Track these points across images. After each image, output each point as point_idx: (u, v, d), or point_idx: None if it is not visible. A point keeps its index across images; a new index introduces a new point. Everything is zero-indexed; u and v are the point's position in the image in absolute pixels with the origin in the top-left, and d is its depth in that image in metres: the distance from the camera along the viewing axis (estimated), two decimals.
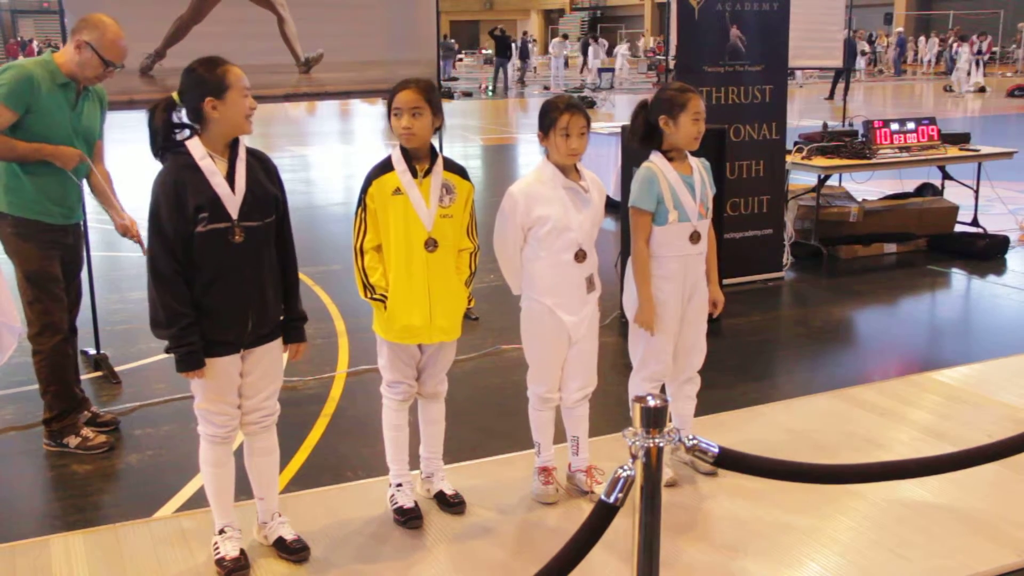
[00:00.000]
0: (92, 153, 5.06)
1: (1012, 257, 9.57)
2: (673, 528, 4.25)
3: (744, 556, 4.09)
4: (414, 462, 4.45)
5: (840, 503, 4.48)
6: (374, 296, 4.05)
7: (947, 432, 5.18)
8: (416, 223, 3.99)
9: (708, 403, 5.36)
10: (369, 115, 23.32)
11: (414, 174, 4.00)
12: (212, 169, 3.61)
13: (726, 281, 7.10)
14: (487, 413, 5.59)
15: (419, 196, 3.99)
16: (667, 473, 4.64)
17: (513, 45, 37.70)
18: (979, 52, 39.94)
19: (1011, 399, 5.79)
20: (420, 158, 4.03)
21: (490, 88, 33.87)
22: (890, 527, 4.35)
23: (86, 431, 5.09)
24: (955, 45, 42.51)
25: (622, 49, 42.09)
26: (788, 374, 6.44)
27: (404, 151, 4.00)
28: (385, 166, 4.03)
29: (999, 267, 9.25)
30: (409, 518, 4.25)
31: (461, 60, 42.41)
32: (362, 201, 4.04)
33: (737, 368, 6.29)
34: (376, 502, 4.43)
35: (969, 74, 32.66)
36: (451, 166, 4.13)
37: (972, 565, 4.06)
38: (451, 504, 4.38)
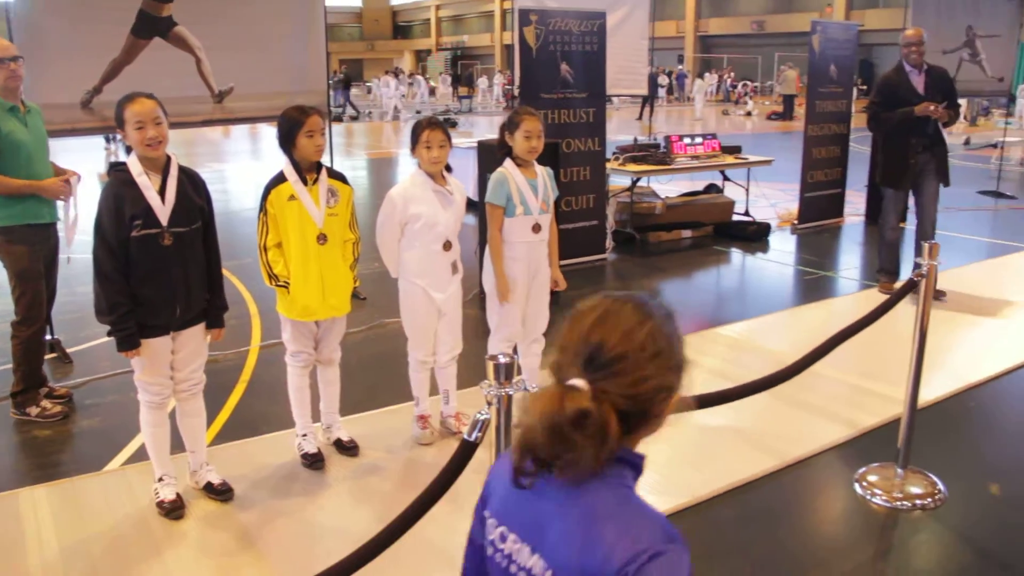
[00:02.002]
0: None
1: (773, 239, 9.83)
2: None
3: None
4: (316, 416, 4.34)
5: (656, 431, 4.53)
6: (278, 283, 3.95)
7: (729, 372, 5.27)
8: (309, 222, 3.91)
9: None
10: (273, 136, 22.71)
11: (304, 183, 3.91)
12: (146, 184, 3.48)
13: (562, 262, 7.14)
14: (375, 374, 5.49)
15: (310, 200, 3.91)
16: (516, 417, 4.64)
17: (395, 79, 37.45)
18: (732, 87, 41.21)
19: (775, 345, 5.95)
20: (309, 170, 3.94)
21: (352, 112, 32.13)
22: (690, 447, 4.41)
23: (45, 403, 4.82)
24: (728, 80, 43.81)
25: (483, 83, 42.04)
26: None
27: (295, 164, 3.90)
28: (280, 178, 3.92)
29: (764, 246, 9.49)
30: (313, 461, 4.17)
31: (353, 92, 41.77)
32: (263, 207, 3.92)
33: None
34: (286, 450, 4.31)
35: (727, 101, 33.42)
36: (333, 174, 4.07)
37: (747, 470, 4.20)
38: (347, 448, 4.32)
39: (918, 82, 6.90)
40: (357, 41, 68.06)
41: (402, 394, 4.73)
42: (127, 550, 3.50)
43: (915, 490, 4.00)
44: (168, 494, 3.76)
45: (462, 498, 3.67)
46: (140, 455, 4.22)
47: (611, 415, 1.30)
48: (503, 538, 1.42)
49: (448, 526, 3.59)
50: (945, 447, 4.52)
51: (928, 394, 5.01)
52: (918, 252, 3.95)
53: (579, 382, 1.31)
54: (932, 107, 6.66)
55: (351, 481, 4.08)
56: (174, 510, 3.72)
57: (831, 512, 3.96)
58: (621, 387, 1.31)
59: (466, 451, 2.37)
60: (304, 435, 4.25)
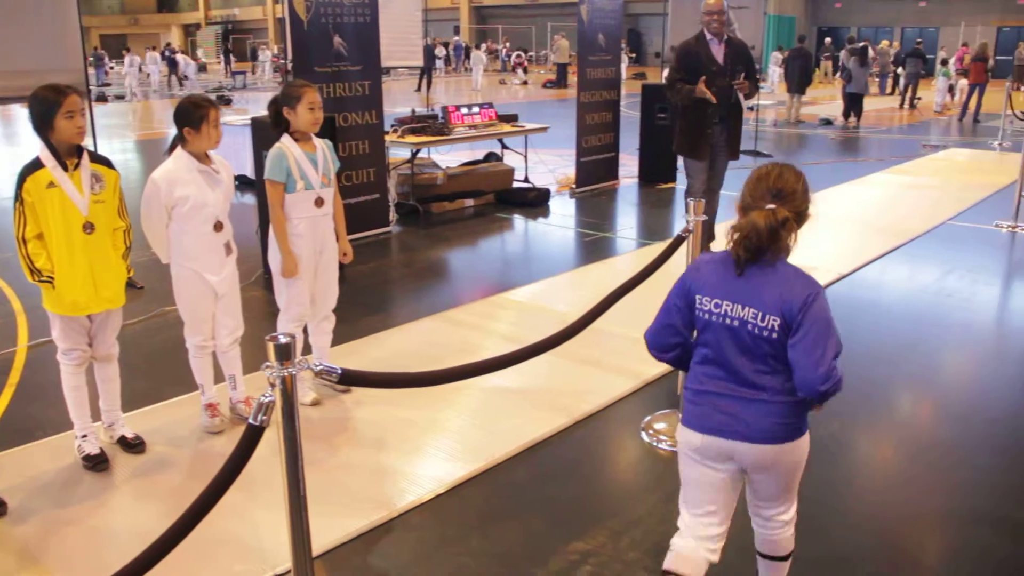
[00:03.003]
0: None
1: (553, 203, 10.12)
2: (320, 437, 4.19)
3: (381, 451, 4.08)
4: (97, 415, 4.07)
5: (449, 400, 4.57)
6: (41, 279, 3.65)
7: (518, 335, 5.41)
8: (73, 210, 3.64)
9: (341, 335, 5.29)
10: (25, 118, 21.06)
11: (65, 168, 3.63)
12: None
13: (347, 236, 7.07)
14: (158, 365, 5.22)
15: (72, 187, 3.63)
16: (311, 395, 4.57)
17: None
18: (508, 56, 41.91)
19: (560, 307, 6.14)
20: (69, 154, 3.65)
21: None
22: (482, 411, 4.51)
23: None
24: (504, 51, 44.46)
25: (264, 56, 40.45)
26: (401, 305, 6.48)
27: (52, 149, 3.60)
28: (36, 164, 3.61)
29: (545, 211, 9.75)
30: (96, 463, 3.92)
31: (112, 68, 38.99)
32: (19, 196, 3.60)
33: (361, 305, 6.25)
34: (66, 454, 4.03)
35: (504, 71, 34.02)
36: (96, 158, 3.79)
37: (539, 428, 4.32)
38: (132, 446, 4.09)
39: (718, 52, 6.91)
40: (118, 15, 63.84)
41: (188, 384, 4.53)
42: None
43: None
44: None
45: (257, 484, 3.62)
46: None
47: (793, 221, 2.39)
48: (718, 306, 2.45)
49: (243, 514, 3.51)
50: None
51: None
52: (687, 210, 4.17)
53: (773, 206, 2.39)
54: (708, 93, 6.70)
55: (139, 479, 3.87)
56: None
57: (621, 461, 4.15)
58: (793, 207, 2.41)
59: (253, 435, 2.32)
60: (84, 436, 3.98)
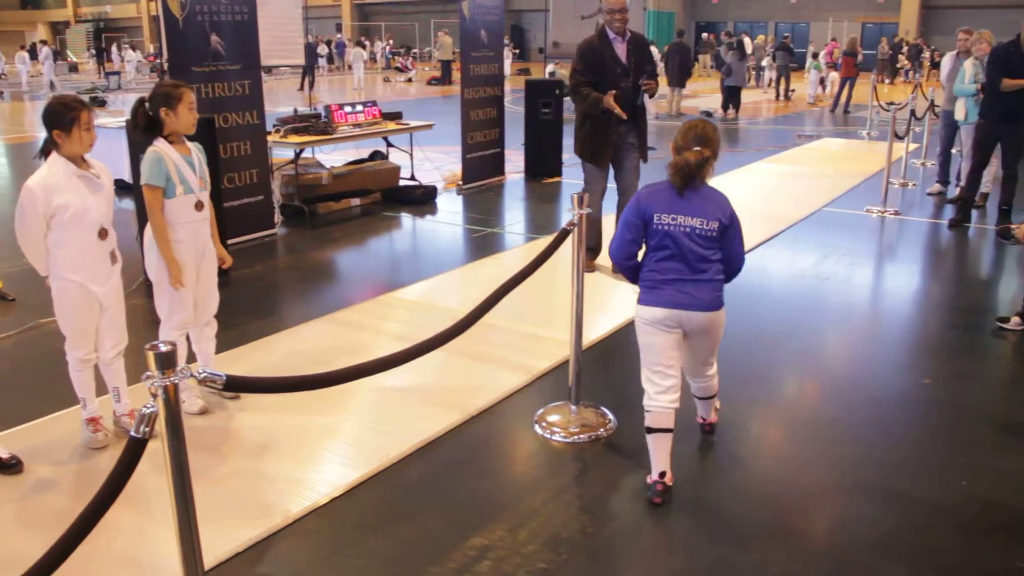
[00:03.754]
0: None
1: (441, 200, 10.12)
2: (209, 447, 4.08)
3: (273, 458, 4.00)
4: None
5: (340, 402, 4.52)
6: None
7: (409, 334, 5.37)
8: None
9: (228, 341, 5.18)
10: None
11: None
12: None
13: (230, 241, 6.91)
14: (33, 380, 4.99)
15: None
16: (198, 404, 4.45)
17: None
18: (392, 54, 41.69)
19: (452, 303, 6.14)
20: None
21: None
22: (375, 412, 4.47)
23: None
24: (387, 47, 44.14)
25: (134, 56, 39.08)
26: (289, 308, 6.37)
27: None
28: None
29: (433, 209, 9.74)
30: None
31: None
32: None
33: (248, 309, 6.11)
34: None
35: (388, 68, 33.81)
36: None
37: (432, 426, 4.31)
38: (8, 467, 3.86)
39: (621, 50, 6.64)
40: None
41: (66, 399, 4.35)
42: None
43: (589, 423, 4.32)
44: None
45: (145, 499, 3.50)
46: None
47: (712, 158, 3.53)
48: (674, 219, 3.51)
49: (131, 531, 3.39)
50: (610, 380, 4.92)
51: (591, 334, 5.43)
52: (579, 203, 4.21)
53: (699, 147, 3.49)
54: (618, 109, 6.46)
55: (16, 503, 3.68)
56: None
57: (516, 455, 4.18)
58: (712, 149, 3.52)
59: (135, 449, 2.24)
60: None
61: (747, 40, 20.36)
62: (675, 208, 3.53)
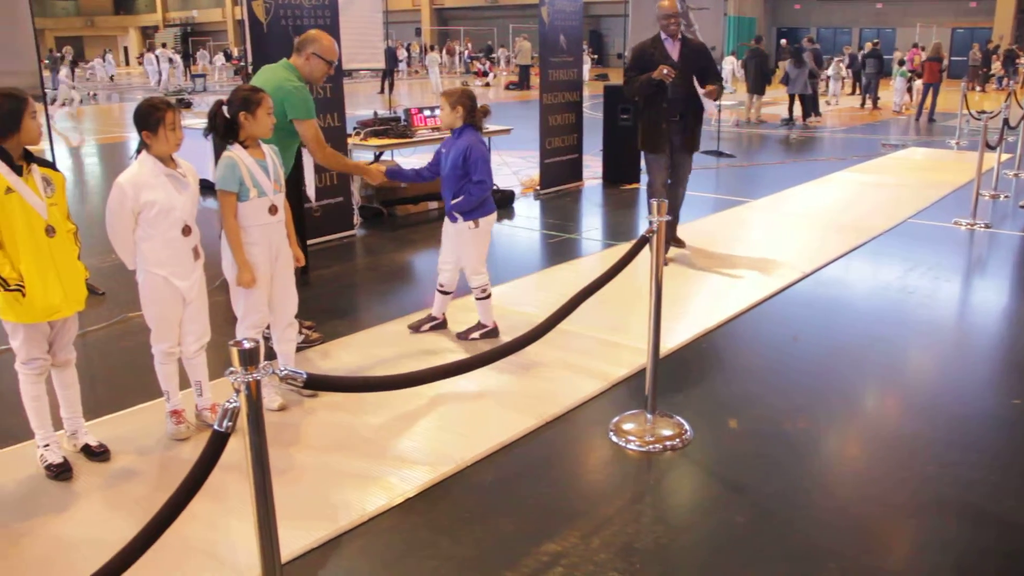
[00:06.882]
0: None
1: (518, 205, 10.15)
2: (285, 443, 4.16)
3: (348, 456, 4.05)
4: (58, 423, 4.00)
5: (415, 404, 4.55)
6: (9, 288, 3.54)
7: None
8: (34, 215, 3.56)
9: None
10: None
11: (19, 172, 3.55)
12: None
13: (309, 241, 7.03)
14: (121, 372, 5.15)
15: (30, 191, 3.55)
16: (277, 400, 4.53)
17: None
18: (471, 58, 41.97)
19: (526, 308, 6.15)
20: (22, 158, 3.58)
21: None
22: (450, 414, 4.49)
23: None
24: (467, 52, 44.46)
25: (219, 60, 40.19)
26: (366, 309, 6.44)
27: (3, 154, 3.51)
28: None
29: (510, 213, 9.76)
30: (59, 472, 3.85)
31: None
32: None
33: (327, 309, 6.21)
34: (27, 464, 3.95)
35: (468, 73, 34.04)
36: (42, 162, 3.71)
37: (507, 431, 4.30)
38: (96, 454, 4.02)
39: (673, 50, 7.15)
40: (74, 16, 62.90)
41: (152, 391, 4.48)
42: None
43: (665, 433, 4.27)
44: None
45: (223, 491, 3.58)
46: None
47: (467, 107, 5.35)
48: (446, 152, 5.40)
49: (208, 522, 3.47)
50: (688, 390, 4.86)
51: (669, 342, 5.37)
52: (650, 210, 4.18)
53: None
54: (666, 70, 6.91)
55: (104, 489, 3.81)
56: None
57: (590, 462, 4.16)
58: (465, 103, 5.35)
59: (218, 442, 2.28)
60: (46, 445, 3.91)
61: (807, 48, 19.84)
62: (446, 146, 5.50)
